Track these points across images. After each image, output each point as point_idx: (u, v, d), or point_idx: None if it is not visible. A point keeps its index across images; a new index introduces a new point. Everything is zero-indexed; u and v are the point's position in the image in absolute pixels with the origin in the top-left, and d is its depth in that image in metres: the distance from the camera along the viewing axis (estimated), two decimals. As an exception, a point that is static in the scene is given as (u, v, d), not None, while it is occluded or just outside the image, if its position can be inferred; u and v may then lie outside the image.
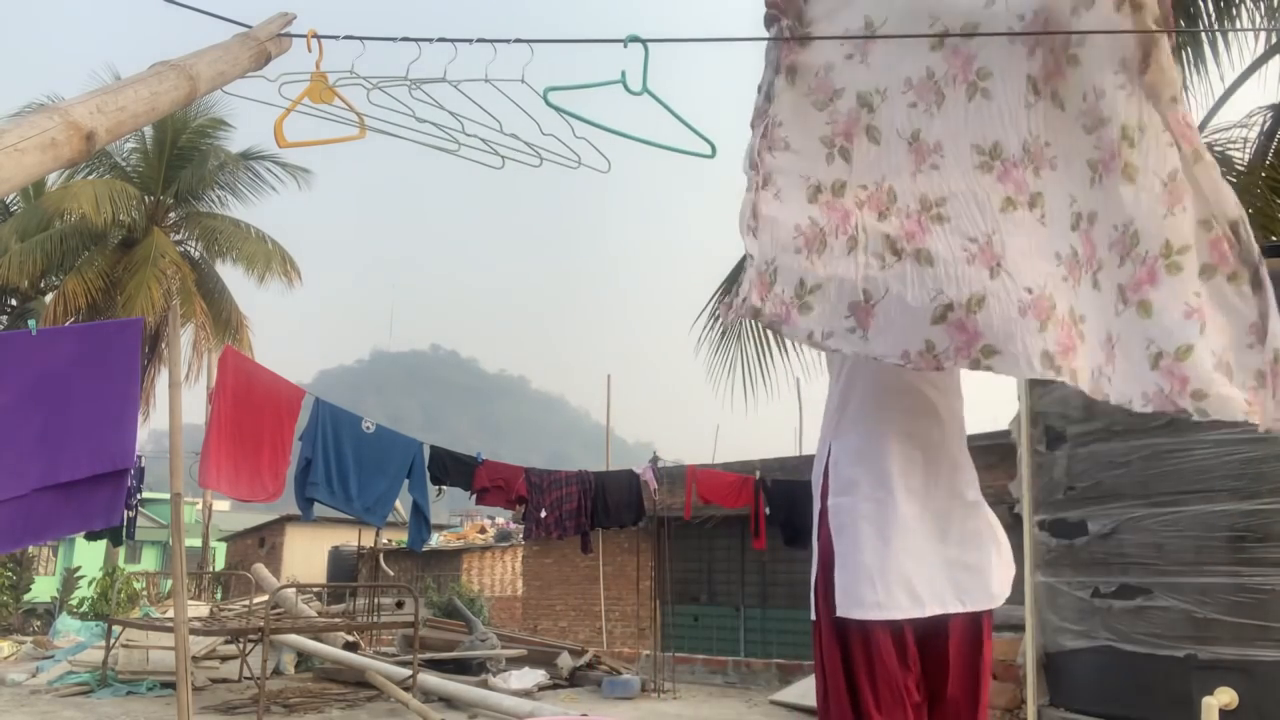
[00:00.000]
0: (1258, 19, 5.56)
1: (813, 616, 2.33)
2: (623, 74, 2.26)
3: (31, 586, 20.61)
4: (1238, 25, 5.51)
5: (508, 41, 2.23)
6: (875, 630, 2.16)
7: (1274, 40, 5.56)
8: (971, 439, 2.51)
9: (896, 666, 2.16)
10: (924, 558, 2.20)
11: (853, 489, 2.27)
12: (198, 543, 19.17)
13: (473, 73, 2.29)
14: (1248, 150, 7.13)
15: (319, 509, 7.46)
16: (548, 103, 2.25)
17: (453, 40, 2.29)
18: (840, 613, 2.18)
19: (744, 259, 2.02)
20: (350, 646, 10.15)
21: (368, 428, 7.47)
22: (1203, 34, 5.53)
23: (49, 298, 18.41)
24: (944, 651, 2.24)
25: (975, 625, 2.27)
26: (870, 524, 2.22)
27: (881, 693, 2.15)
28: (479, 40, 2.25)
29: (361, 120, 2.48)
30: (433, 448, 8.08)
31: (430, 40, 2.30)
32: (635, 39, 2.18)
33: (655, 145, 2.36)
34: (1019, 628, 4.70)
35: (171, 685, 8.25)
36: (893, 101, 2.12)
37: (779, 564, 14.43)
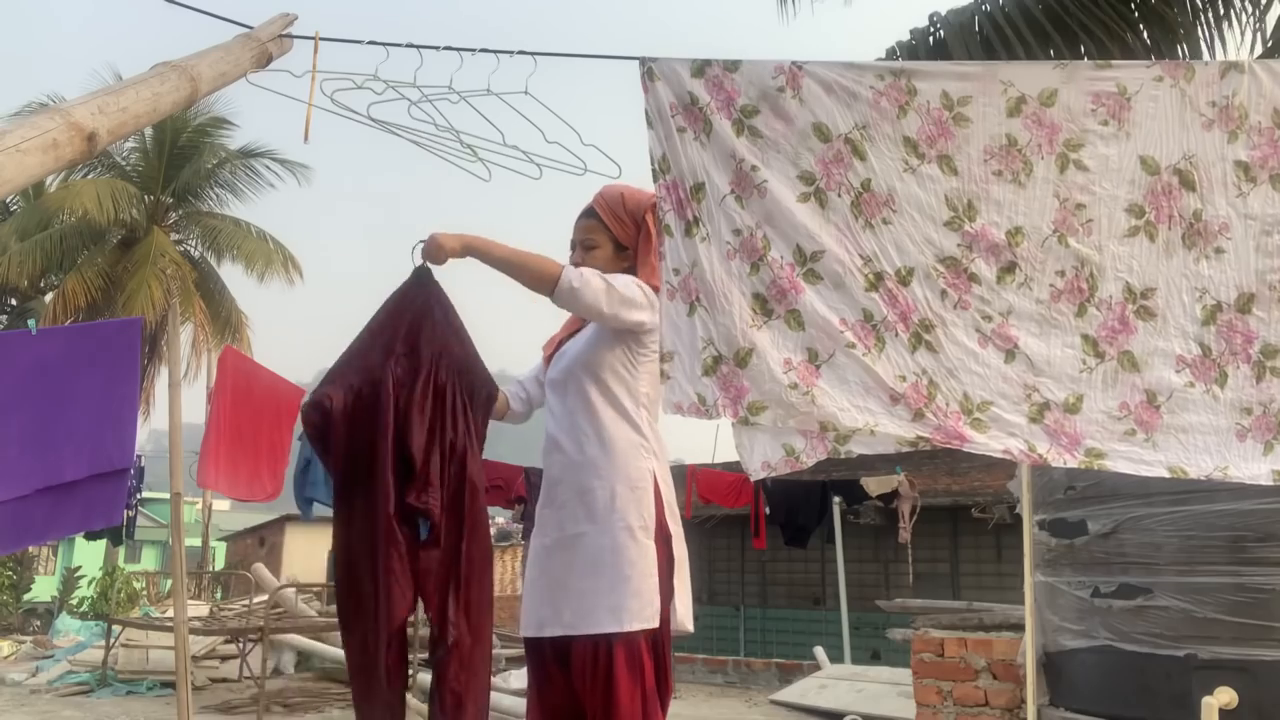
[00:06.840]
0: (1252, 20, 5.58)
1: None
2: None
3: (31, 586, 20.58)
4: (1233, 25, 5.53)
5: (510, 53, 2.25)
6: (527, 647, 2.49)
7: (1269, 44, 5.57)
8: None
9: (532, 679, 2.47)
10: (538, 583, 2.44)
11: None
12: (197, 542, 19.19)
13: (478, 80, 2.31)
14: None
15: (319, 508, 7.45)
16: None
17: (459, 49, 2.29)
18: None
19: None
20: (350, 646, 10.12)
21: (368, 427, 7.45)
22: (1200, 34, 5.55)
23: (49, 297, 18.42)
24: (574, 673, 2.34)
25: (593, 650, 2.28)
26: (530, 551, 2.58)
27: (528, 702, 2.46)
28: (482, 50, 2.25)
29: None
30: (433, 447, 8.05)
31: (436, 48, 2.30)
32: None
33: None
34: (1019, 627, 4.70)
35: (171, 685, 8.25)
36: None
37: (779, 563, 14.44)
